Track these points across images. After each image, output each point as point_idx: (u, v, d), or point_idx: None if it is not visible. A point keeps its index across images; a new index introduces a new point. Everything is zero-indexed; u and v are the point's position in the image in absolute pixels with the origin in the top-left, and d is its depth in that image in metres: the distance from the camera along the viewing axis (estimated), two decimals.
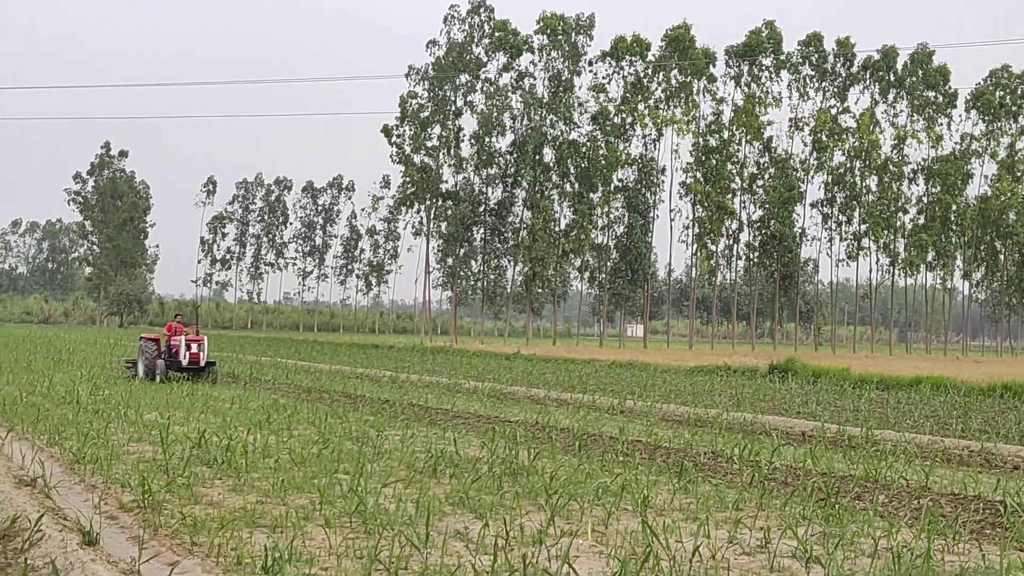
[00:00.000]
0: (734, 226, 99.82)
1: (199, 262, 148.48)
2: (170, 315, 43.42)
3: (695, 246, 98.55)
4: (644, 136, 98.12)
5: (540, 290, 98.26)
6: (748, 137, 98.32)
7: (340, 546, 9.24)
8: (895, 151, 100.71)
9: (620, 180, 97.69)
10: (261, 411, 21.01)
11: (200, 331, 34.21)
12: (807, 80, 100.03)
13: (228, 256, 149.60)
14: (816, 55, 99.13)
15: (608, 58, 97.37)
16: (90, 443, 14.86)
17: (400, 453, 15.32)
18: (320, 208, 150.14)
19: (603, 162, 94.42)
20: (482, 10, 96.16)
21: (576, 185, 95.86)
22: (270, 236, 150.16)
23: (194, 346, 31.45)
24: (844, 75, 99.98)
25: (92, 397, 22.85)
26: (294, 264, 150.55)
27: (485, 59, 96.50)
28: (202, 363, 31.59)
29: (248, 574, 8.24)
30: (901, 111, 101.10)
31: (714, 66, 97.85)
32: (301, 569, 8.40)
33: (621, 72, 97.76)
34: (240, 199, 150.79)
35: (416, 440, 16.97)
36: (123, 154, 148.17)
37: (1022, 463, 17.01)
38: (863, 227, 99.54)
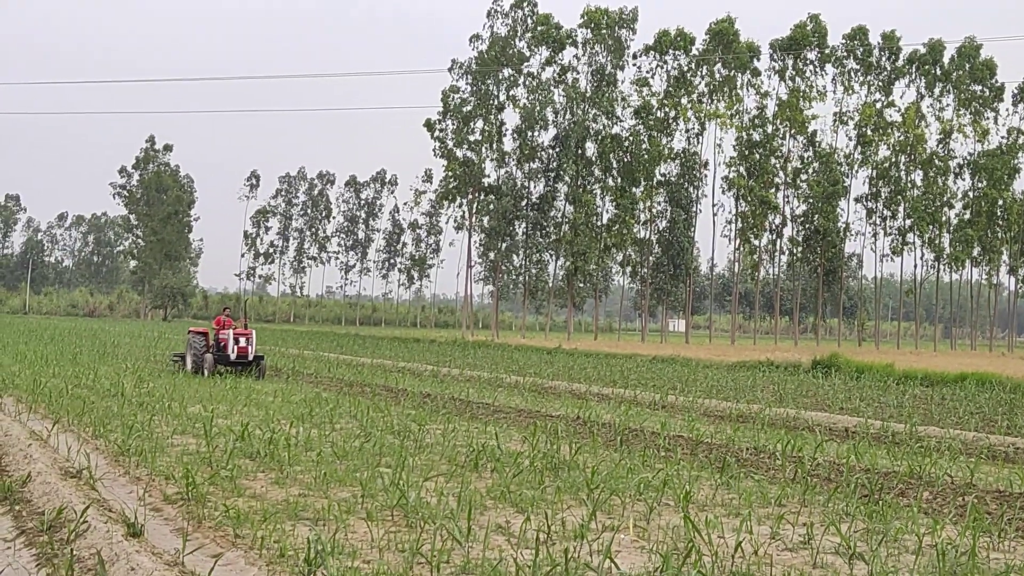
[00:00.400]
0: (777, 221, 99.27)
1: (243, 256, 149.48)
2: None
3: (738, 241, 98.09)
4: (687, 130, 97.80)
5: (581, 285, 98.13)
6: (792, 131, 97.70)
7: (382, 539, 9.27)
8: (941, 145, 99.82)
9: (663, 174, 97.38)
10: (303, 404, 21.12)
11: (248, 325, 33.82)
12: (852, 74, 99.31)
13: (271, 250, 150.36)
14: (861, 49, 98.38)
15: (652, 52, 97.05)
16: (135, 435, 14.96)
17: (441, 447, 15.34)
18: (363, 202, 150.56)
19: (646, 156, 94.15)
20: (525, 4, 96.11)
21: (618, 179, 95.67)
22: (313, 230, 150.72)
23: (242, 340, 30.96)
24: (889, 69, 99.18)
25: (137, 390, 23.02)
26: (336, 258, 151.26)
27: (528, 53, 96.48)
28: (250, 357, 31.03)
29: (291, 566, 8.27)
30: (947, 105, 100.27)
31: (758, 60, 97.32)
32: (343, 562, 8.42)
33: (664, 66, 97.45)
34: (283, 193, 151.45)
35: (457, 434, 16.99)
36: (168, 148, 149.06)
37: None
38: (908, 222, 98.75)
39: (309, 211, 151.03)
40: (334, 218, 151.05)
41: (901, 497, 12.50)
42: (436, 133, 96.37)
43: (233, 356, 30.66)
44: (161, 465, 12.98)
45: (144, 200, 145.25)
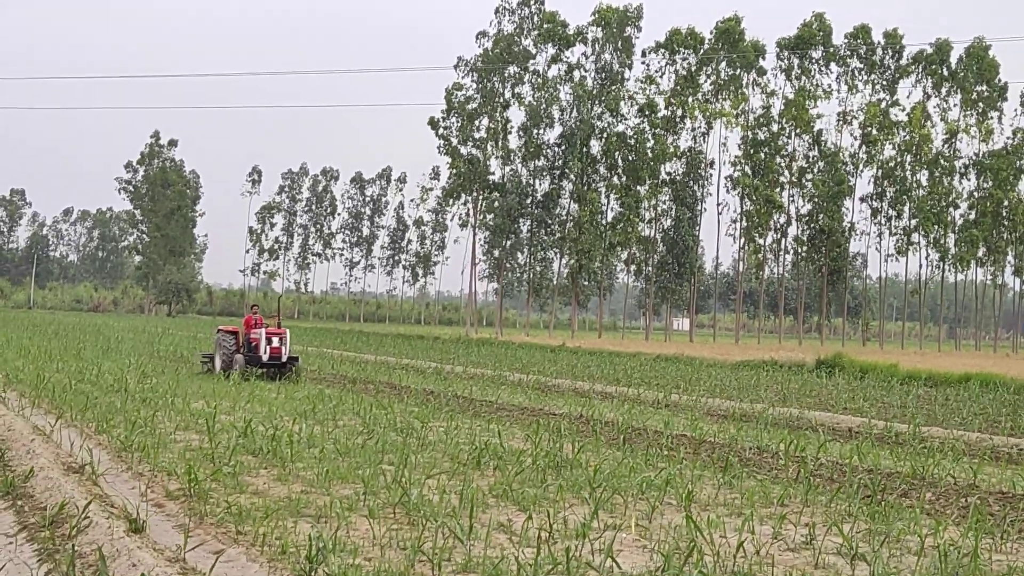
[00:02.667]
0: (782, 220, 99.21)
1: (247, 252, 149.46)
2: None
3: (742, 240, 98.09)
4: (693, 129, 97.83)
5: (586, 283, 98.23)
6: (797, 131, 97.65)
7: (384, 537, 9.27)
8: (946, 145, 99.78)
9: (668, 173, 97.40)
10: (307, 401, 21.13)
11: (282, 324, 31.17)
12: (855, 73, 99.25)
13: (276, 246, 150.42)
14: (864, 47, 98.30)
15: (662, 49, 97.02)
16: (137, 431, 14.97)
17: (444, 445, 15.35)
18: (368, 199, 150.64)
19: (651, 155, 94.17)
20: (533, 2, 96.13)
21: (623, 178, 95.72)
22: (317, 226, 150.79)
23: (275, 340, 28.98)
24: (893, 68, 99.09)
25: (140, 386, 23.04)
26: (341, 254, 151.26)
27: (534, 51, 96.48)
28: (284, 359, 28.93)
29: (292, 563, 8.28)
30: (953, 105, 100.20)
31: (764, 59, 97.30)
32: (345, 559, 8.43)
33: (674, 65, 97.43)
34: (287, 189, 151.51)
35: (460, 432, 17.00)
36: (172, 143, 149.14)
37: None
38: (913, 222, 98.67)
39: (313, 207, 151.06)
40: (339, 215, 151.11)
41: (904, 498, 12.49)
42: (440, 131, 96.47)
43: (265, 357, 28.66)
44: (163, 461, 13.00)
45: (149, 195, 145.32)
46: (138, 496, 10.71)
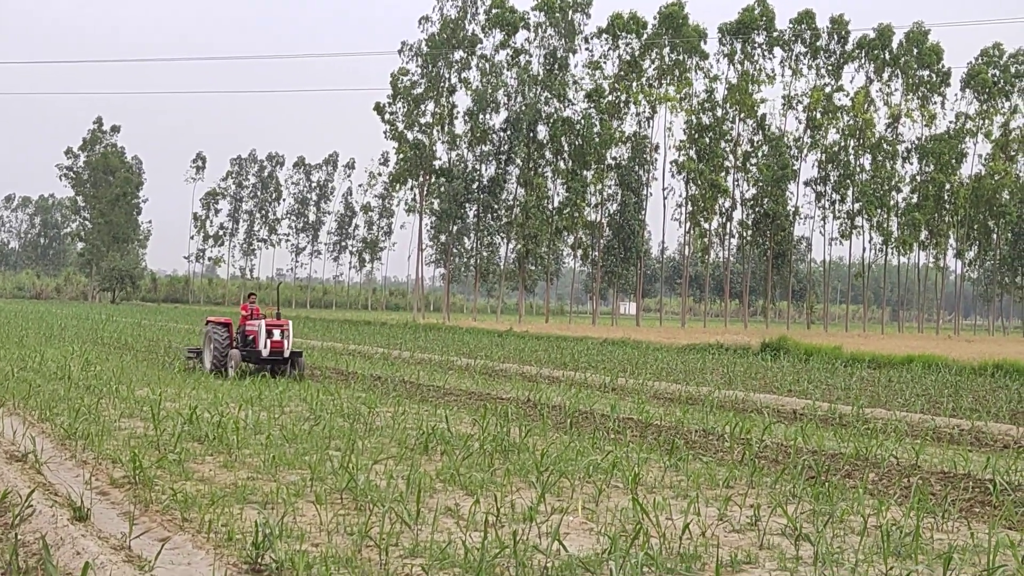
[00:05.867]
0: (727, 204, 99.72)
1: (192, 238, 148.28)
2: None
3: (688, 224, 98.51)
4: (638, 114, 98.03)
5: (533, 267, 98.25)
6: (741, 115, 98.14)
7: (331, 522, 9.26)
8: (889, 130, 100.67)
9: (614, 158, 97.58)
10: (252, 387, 21.04)
11: (281, 314, 27.56)
12: (800, 58, 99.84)
13: (221, 232, 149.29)
14: (809, 32, 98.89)
15: (604, 35, 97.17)
16: (81, 419, 14.85)
17: (391, 430, 15.34)
18: (314, 185, 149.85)
19: (597, 140, 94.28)
20: None
21: (570, 163, 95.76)
22: (263, 212, 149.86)
23: (276, 332, 25.66)
24: (838, 53, 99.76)
25: (84, 373, 22.83)
26: (287, 240, 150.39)
27: (481, 36, 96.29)
28: (286, 353, 25.73)
29: (238, 550, 8.25)
30: (896, 90, 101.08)
31: (706, 43, 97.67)
32: (291, 545, 8.41)
33: (617, 50, 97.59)
34: (234, 175, 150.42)
35: (407, 417, 16.99)
36: (115, 129, 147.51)
37: (1012, 442, 17.08)
38: (856, 206, 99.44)
39: (259, 193, 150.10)
40: (284, 200, 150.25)
41: (847, 479, 12.63)
42: (387, 116, 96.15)
43: (266, 352, 25.38)
44: (108, 449, 12.89)
45: (91, 182, 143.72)
46: (82, 484, 10.64)
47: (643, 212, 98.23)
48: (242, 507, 9.88)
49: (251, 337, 26.01)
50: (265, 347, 25.34)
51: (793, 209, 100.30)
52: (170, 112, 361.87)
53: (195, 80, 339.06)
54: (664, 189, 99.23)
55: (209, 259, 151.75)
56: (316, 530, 9.04)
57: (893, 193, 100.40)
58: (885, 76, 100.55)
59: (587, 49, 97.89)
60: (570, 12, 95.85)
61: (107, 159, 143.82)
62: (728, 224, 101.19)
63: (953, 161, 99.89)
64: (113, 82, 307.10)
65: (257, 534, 8.13)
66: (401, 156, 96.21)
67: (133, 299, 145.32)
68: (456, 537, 8.73)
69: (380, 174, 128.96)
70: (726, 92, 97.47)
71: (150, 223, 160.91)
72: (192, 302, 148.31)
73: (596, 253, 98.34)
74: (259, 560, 7.89)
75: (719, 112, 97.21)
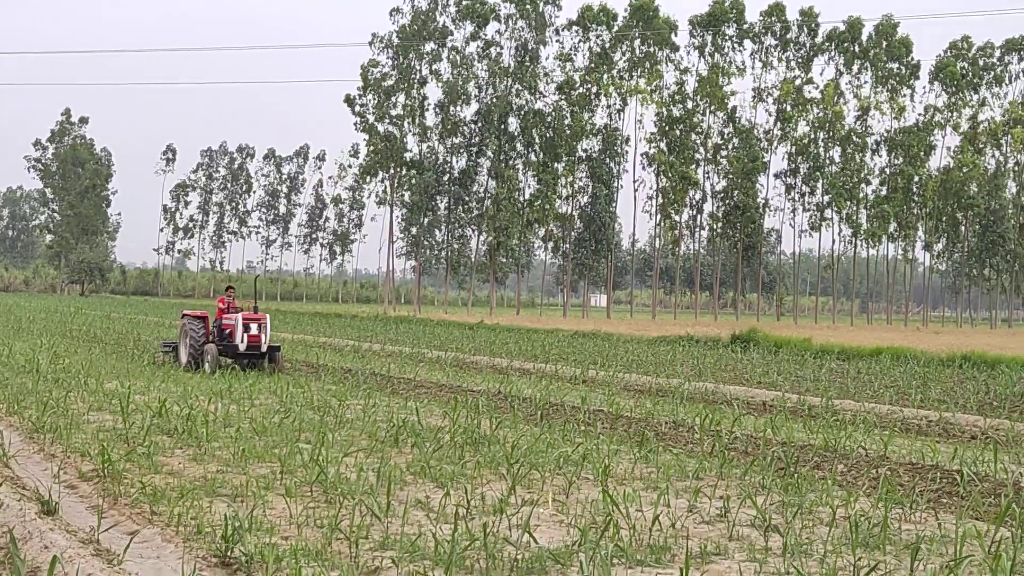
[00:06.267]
0: (698, 196, 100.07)
1: (161, 230, 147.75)
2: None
3: (659, 216, 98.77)
4: (609, 106, 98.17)
5: (504, 260, 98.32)
6: (712, 107, 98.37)
7: (301, 515, 9.24)
8: (858, 122, 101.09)
9: (584, 150, 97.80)
10: (222, 380, 20.96)
11: (258, 307, 26.90)
12: (770, 50, 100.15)
13: (191, 224, 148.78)
14: (779, 25, 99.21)
15: (575, 27, 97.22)
16: (50, 412, 14.77)
17: (362, 423, 15.31)
18: (285, 177, 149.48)
19: (568, 132, 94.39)
20: None
21: (541, 155, 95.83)
22: (233, 204, 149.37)
23: (254, 326, 25.14)
24: (808, 45, 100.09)
25: (52, 366, 22.72)
26: (257, 233, 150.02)
27: (451, 27, 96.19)
28: (263, 348, 25.19)
29: (208, 543, 8.22)
30: (865, 82, 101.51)
31: (677, 36, 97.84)
32: (261, 538, 8.38)
33: (587, 42, 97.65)
34: (204, 167, 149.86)
35: (378, 409, 16.96)
36: (83, 121, 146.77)
37: (979, 433, 17.17)
38: (826, 198, 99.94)
39: (229, 185, 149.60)
40: (255, 192, 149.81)
41: (816, 470, 12.67)
42: (357, 108, 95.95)
43: (243, 347, 24.85)
44: (77, 442, 12.83)
45: (60, 174, 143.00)
46: (50, 478, 10.58)
47: (614, 204, 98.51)
48: (211, 500, 9.85)
49: (228, 331, 25.37)
50: (242, 341, 24.80)
51: (763, 201, 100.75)
52: (140, 104, 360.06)
53: (165, 71, 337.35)
54: (635, 181, 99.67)
55: (179, 252, 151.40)
56: (286, 523, 9.02)
57: (862, 185, 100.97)
58: (855, 69, 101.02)
59: (558, 41, 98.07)
60: (541, 4, 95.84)
61: (76, 151, 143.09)
62: (698, 216, 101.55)
63: (922, 153, 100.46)
64: (82, 73, 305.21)
65: (227, 527, 8.10)
66: (372, 148, 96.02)
67: (102, 292, 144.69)
68: (426, 529, 8.73)
69: (350, 166, 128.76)
70: (697, 84, 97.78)
71: (119, 215, 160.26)
72: (162, 295, 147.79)
73: (567, 245, 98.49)
74: (228, 553, 7.86)
75: (690, 104, 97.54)
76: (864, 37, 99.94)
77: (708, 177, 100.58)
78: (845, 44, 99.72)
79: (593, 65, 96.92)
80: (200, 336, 25.39)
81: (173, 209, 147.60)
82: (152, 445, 12.60)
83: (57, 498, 9.34)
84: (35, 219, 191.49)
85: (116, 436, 13.31)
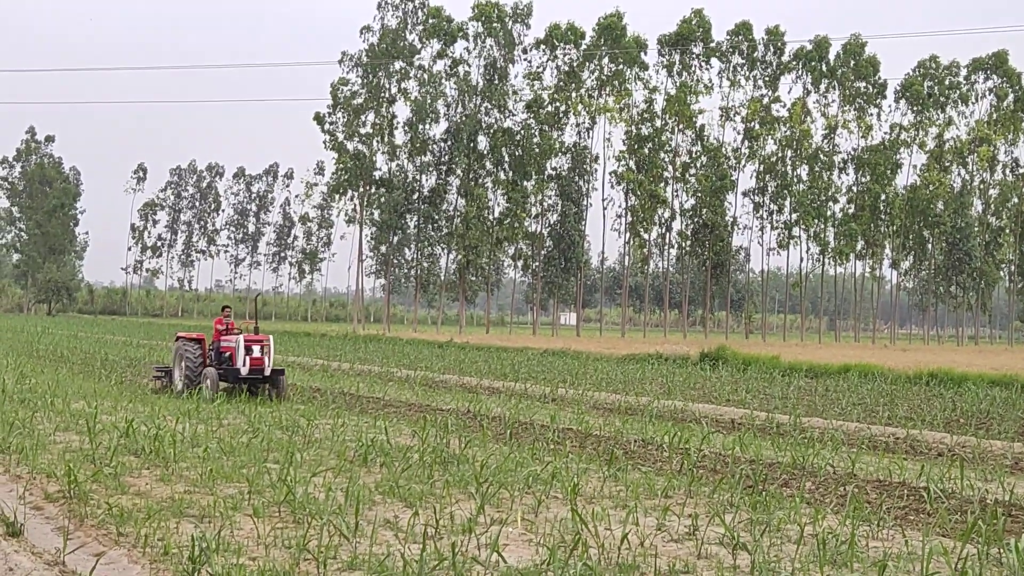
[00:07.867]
0: (666, 215, 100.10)
1: (129, 249, 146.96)
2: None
3: (628, 234, 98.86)
4: (577, 124, 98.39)
5: (473, 278, 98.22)
6: (680, 126, 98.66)
7: (268, 536, 9.21)
8: (826, 141, 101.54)
9: (554, 168, 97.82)
10: (190, 400, 20.87)
11: (260, 328, 26.15)
12: (737, 69, 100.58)
13: (159, 243, 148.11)
14: (746, 43, 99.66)
15: (542, 46, 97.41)
16: (15, 432, 14.69)
17: (330, 442, 15.29)
18: (254, 195, 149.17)
19: (537, 150, 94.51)
20: None
21: (510, 173, 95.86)
22: (202, 223, 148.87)
23: (256, 349, 23.68)
24: (774, 64, 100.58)
25: (18, 386, 22.57)
26: (226, 251, 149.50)
27: (419, 46, 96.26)
28: (267, 372, 23.69)
29: (175, 564, 8.19)
30: (832, 101, 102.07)
31: (645, 54, 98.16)
32: (229, 559, 8.36)
33: (555, 60, 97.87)
34: (173, 186, 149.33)
35: (347, 429, 16.94)
36: (50, 139, 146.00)
37: (946, 450, 17.28)
38: (794, 216, 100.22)
39: (198, 204, 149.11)
40: (223, 211, 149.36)
41: (784, 487, 12.73)
42: (326, 126, 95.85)
43: (244, 370, 23.26)
44: (42, 463, 12.76)
45: (27, 193, 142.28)
46: (15, 499, 10.52)
47: (583, 223, 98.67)
48: (178, 521, 9.81)
49: (227, 354, 23.94)
50: (244, 365, 23.26)
51: (731, 219, 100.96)
52: (108, 122, 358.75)
53: (133, 90, 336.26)
54: (604, 200, 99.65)
55: (147, 271, 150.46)
56: (254, 544, 8.99)
57: (830, 203, 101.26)
58: (822, 87, 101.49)
59: (526, 60, 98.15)
60: (509, 22, 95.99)
61: (43, 170, 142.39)
62: (667, 234, 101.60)
63: (888, 172, 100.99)
64: (48, 91, 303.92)
65: (194, 548, 8.07)
66: (341, 166, 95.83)
67: (70, 311, 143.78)
68: (395, 549, 8.71)
69: (316, 184, 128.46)
70: (665, 103, 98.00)
71: (87, 234, 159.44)
72: (130, 314, 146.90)
73: (536, 264, 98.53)
74: (196, 574, 7.83)
75: (658, 123, 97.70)
76: (832, 56, 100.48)
77: (677, 195, 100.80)
78: (812, 63, 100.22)
79: (562, 83, 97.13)
80: (197, 359, 24.27)
81: (141, 228, 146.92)
82: (119, 465, 12.55)
83: (22, 519, 9.28)
84: (1, 238, 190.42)
85: (83, 456, 13.24)
